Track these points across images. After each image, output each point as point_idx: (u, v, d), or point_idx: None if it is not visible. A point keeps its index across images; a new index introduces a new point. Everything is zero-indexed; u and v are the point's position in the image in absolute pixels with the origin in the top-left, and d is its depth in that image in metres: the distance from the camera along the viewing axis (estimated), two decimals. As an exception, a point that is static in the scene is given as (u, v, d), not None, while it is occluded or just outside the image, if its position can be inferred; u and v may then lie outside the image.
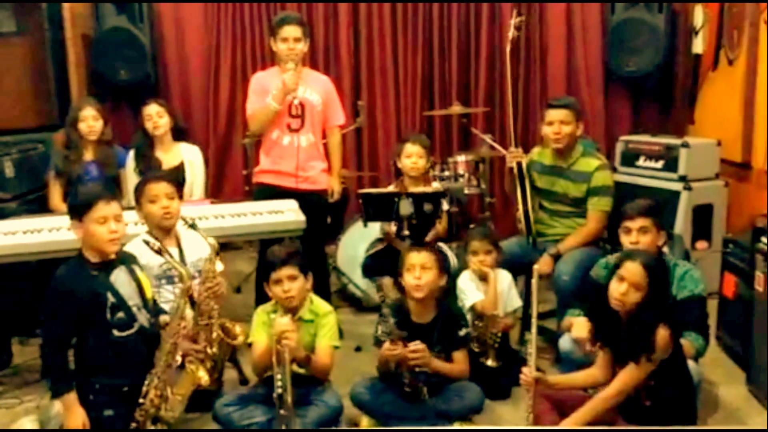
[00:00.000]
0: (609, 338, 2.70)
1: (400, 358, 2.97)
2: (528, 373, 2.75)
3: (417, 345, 2.97)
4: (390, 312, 3.04)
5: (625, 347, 2.61)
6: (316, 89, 4.06)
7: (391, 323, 2.97)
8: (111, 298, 2.78)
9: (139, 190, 3.27)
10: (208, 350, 3.08)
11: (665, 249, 3.19)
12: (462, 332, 3.14)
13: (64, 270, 2.80)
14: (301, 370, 3.02)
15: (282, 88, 3.86)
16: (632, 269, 2.58)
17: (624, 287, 2.58)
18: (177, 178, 3.97)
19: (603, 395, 2.64)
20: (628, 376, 2.59)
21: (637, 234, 3.04)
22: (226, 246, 3.25)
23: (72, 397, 2.76)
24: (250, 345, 3.13)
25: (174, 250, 3.24)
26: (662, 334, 2.53)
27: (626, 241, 3.07)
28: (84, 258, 2.82)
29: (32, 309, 3.77)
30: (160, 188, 3.24)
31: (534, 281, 2.84)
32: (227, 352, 3.27)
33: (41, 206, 4.20)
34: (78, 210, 2.78)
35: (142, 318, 2.87)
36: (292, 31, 3.90)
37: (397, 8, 5.54)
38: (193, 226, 3.16)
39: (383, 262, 4.03)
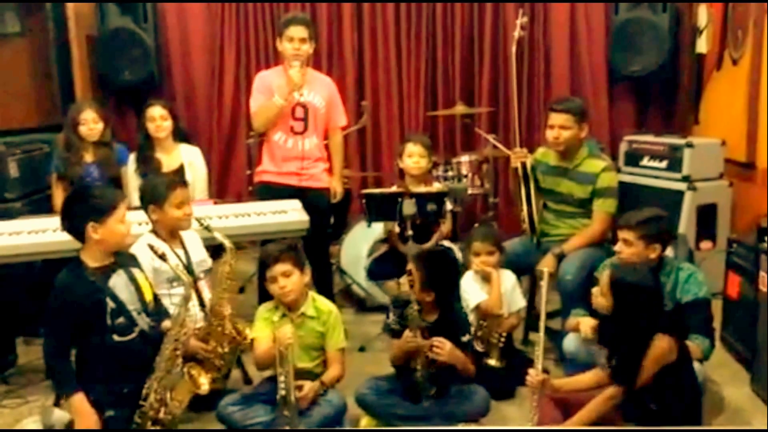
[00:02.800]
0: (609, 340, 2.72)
1: (418, 347, 2.98)
2: (534, 375, 2.76)
3: (442, 340, 2.97)
4: (410, 303, 3.02)
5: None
6: (319, 91, 4.06)
7: (415, 310, 2.97)
8: (110, 304, 2.78)
9: (162, 194, 3.26)
10: (219, 349, 3.12)
11: (668, 251, 3.19)
12: (465, 338, 3.13)
13: (62, 277, 2.80)
14: (306, 366, 3.05)
15: (288, 84, 3.86)
16: (603, 277, 2.77)
17: (596, 289, 2.77)
18: (183, 182, 3.98)
19: (605, 395, 2.66)
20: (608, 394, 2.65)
21: (620, 244, 3.09)
22: (229, 246, 3.26)
23: (80, 397, 2.75)
24: (251, 341, 3.14)
25: (180, 251, 3.29)
26: (658, 344, 2.55)
27: (616, 247, 3.14)
28: (82, 263, 2.81)
29: (37, 309, 3.76)
30: (186, 194, 3.34)
31: (544, 284, 2.86)
32: (236, 352, 3.28)
33: (45, 206, 4.21)
34: (101, 212, 2.77)
35: (143, 322, 2.87)
36: (298, 31, 3.90)
37: (400, 8, 5.55)
38: (208, 228, 3.24)
39: (387, 266, 4.04)
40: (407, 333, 3.00)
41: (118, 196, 2.92)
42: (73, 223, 2.82)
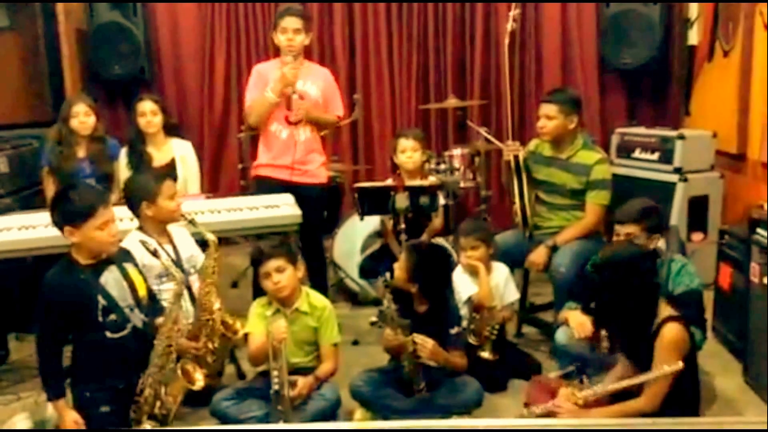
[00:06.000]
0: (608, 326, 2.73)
1: (401, 345, 2.98)
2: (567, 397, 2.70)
3: (424, 339, 2.97)
4: (392, 298, 3.01)
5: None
6: (315, 82, 4.04)
7: (392, 310, 2.97)
8: (102, 301, 2.76)
9: (154, 189, 3.23)
10: (209, 345, 3.10)
11: (660, 243, 3.20)
12: (453, 330, 3.13)
13: (53, 274, 2.78)
14: (300, 361, 3.05)
15: (281, 81, 3.85)
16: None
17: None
18: (170, 174, 3.96)
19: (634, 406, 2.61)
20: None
21: (624, 238, 3.08)
22: (222, 241, 3.25)
23: (61, 402, 2.76)
24: (246, 336, 3.14)
25: (168, 247, 3.27)
26: (668, 331, 2.55)
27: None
28: (73, 260, 2.79)
29: (28, 305, 3.74)
30: (174, 186, 3.33)
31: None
32: (228, 348, 3.27)
33: (35, 202, 4.18)
34: (77, 217, 2.72)
35: (135, 318, 2.85)
36: (291, 22, 3.89)
37: (391, 1, 5.52)
38: (192, 222, 3.21)
39: (380, 263, 4.03)
40: (387, 331, 3.00)
41: (100, 201, 2.79)
42: (54, 223, 2.81)
